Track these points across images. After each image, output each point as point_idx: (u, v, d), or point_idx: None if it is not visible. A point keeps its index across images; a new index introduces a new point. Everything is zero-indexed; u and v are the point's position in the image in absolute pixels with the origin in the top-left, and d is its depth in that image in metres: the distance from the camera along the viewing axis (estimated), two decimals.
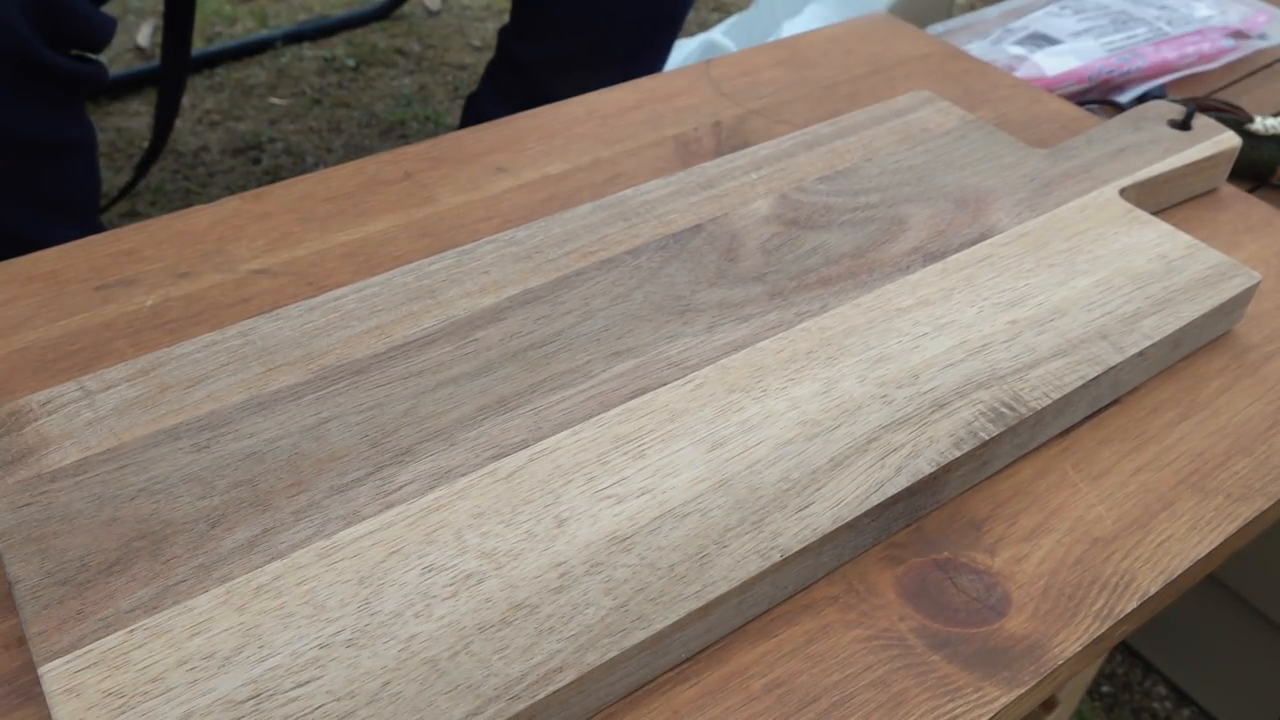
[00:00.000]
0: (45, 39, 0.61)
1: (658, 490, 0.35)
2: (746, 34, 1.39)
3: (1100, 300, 0.43)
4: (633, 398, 0.38)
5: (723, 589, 0.32)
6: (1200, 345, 0.46)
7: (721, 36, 1.36)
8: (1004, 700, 0.33)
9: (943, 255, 0.46)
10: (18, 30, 0.59)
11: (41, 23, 0.60)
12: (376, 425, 0.37)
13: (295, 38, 1.70)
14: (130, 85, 1.55)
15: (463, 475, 0.35)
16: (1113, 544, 0.38)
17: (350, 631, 0.31)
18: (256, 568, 0.32)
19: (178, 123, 1.49)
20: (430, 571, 0.32)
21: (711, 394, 0.39)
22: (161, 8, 1.15)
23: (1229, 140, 0.54)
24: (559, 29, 0.88)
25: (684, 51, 1.35)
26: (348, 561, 0.32)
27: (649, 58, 0.88)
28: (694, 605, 0.32)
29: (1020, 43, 0.77)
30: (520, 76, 0.93)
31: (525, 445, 0.36)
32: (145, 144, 1.45)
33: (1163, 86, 0.75)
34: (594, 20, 0.85)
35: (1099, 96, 0.75)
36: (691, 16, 1.90)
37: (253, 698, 0.29)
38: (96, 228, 0.74)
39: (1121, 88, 0.75)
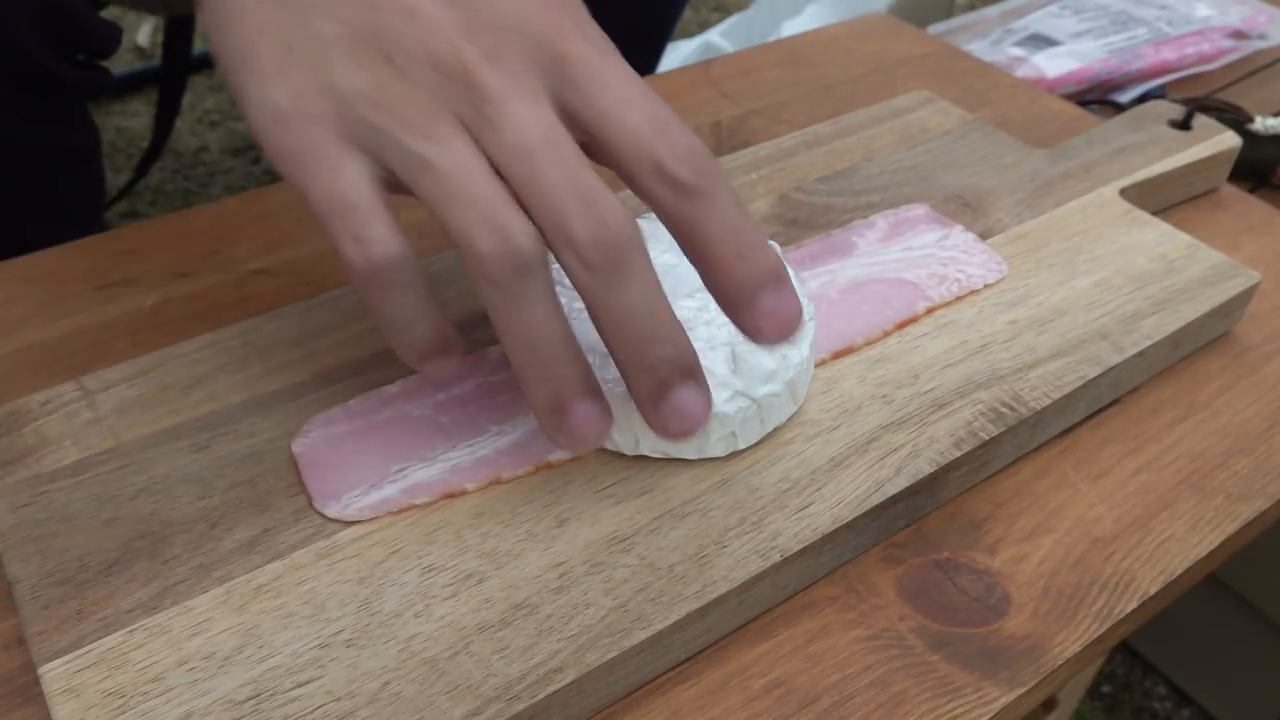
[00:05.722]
0: (52, 49, 0.61)
1: (658, 490, 0.35)
2: (746, 34, 1.38)
3: (1100, 300, 0.43)
4: None
5: (723, 589, 0.32)
6: (1200, 345, 0.46)
7: (719, 38, 1.36)
8: (1004, 700, 0.33)
9: None
10: (26, 43, 0.59)
11: (48, 34, 0.60)
12: None
13: None
14: (130, 85, 1.55)
15: None
16: (1113, 544, 0.38)
17: (350, 631, 0.31)
18: (256, 568, 0.32)
19: (178, 123, 1.49)
20: (430, 571, 0.32)
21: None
22: None
23: (1229, 140, 0.54)
24: None
25: (682, 53, 1.35)
26: (348, 561, 0.32)
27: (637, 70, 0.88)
28: (694, 605, 0.32)
29: (1020, 44, 0.77)
30: None
31: None
32: (145, 144, 1.45)
33: (1163, 86, 0.75)
34: None
35: (1099, 96, 0.75)
36: (691, 16, 1.90)
37: (253, 698, 0.29)
38: (100, 229, 0.74)
39: (1121, 88, 0.75)
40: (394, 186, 0.29)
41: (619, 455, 0.36)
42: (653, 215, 0.35)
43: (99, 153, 0.72)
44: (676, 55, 1.35)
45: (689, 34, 1.68)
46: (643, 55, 0.89)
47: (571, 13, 0.30)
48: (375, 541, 0.33)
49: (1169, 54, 0.76)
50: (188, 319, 0.44)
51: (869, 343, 0.41)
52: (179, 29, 0.93)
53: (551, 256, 0.29)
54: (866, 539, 0.36)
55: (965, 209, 0.48)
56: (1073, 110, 0.62)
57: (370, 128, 0.28)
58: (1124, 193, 0.50)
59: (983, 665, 0.34)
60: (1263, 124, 0.65)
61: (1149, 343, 0.42)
